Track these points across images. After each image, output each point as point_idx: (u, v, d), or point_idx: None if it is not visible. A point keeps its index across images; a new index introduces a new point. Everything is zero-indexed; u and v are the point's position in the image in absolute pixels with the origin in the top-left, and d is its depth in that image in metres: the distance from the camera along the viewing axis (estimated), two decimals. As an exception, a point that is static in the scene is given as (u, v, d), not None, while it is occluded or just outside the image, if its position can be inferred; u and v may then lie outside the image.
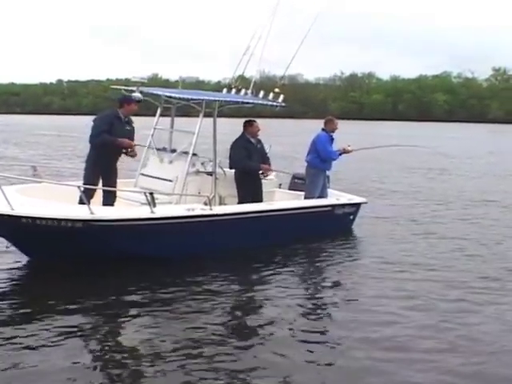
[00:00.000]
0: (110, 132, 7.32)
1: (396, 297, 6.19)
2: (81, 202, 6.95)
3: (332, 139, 9.17)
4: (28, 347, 4.65)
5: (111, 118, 7.44)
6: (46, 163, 17.23)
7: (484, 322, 5.52)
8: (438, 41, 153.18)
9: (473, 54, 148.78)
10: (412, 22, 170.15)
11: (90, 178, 7.35)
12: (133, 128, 7.73)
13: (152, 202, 6.63)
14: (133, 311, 5.55)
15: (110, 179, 7.55)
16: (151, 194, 6.67)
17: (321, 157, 9.02)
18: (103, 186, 7.40)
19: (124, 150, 7.50)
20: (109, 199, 7.37)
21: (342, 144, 9.40)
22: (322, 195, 9.12)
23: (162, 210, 6.88)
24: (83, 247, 6.40)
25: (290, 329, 5.28)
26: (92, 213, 6.33)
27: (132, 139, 7.60)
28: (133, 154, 7.62)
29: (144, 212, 6.73)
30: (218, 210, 7.48)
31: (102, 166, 7.45)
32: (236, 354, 4.67)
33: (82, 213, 6.40)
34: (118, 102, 7.60)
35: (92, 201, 6.88)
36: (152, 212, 6.66)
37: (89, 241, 6.38)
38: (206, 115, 7.93)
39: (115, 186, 7.55)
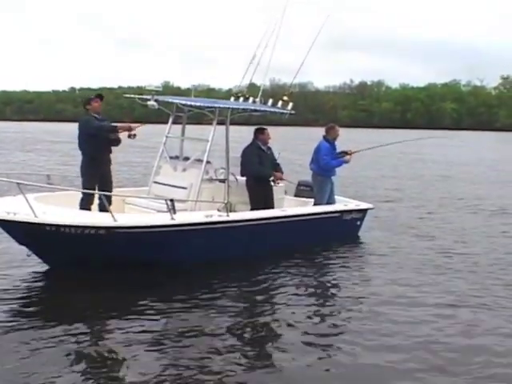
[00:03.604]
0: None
1: (401, 304, 6.25)
2: (82, 208, 7.28)
3: (334, 147, 9.29)
4: (43, 353, 4.77)
5: (91, 120, 7.59)
6: (60, 171, 17.52)
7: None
8: (448, 47, 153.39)
9: (482, 62, 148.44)
10: (422, 29, 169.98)
11: (89, 184, 7.43)
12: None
13: (173, 209, 6.78)
14: (147, 318, 5.62)
15: (106, 184, 7.65)
16: (172, 201, 6.82)
17: (320, 166, 9.13)
18: (100, 191, 7.39)
19: (128, 134, 7.64)
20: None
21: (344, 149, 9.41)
22: (330, 201, 9.27)
23: (182, 217, 7.01)
24: (105, 254, 6.49)
25: (296, 335, 5.33)
26: (115, 220, 6.44)
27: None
28: (132, 134, 7.70)
29: (165, 219, 6.85)
30: (235, 216, 7.62)
31: (97, 172, 7.60)
32: (244, 362, 4.76)
33: (104, 220, 6.49)
34: (83, 107, 7.86)
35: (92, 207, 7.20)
36: (172, 219, 6.82)
37: (110, 248, 6.48)
38: (218, 123, 8.04)
39: (111, 191, 7.68)
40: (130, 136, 7.72)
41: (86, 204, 7.36)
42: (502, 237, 9.94)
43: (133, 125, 7.72)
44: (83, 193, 7.37)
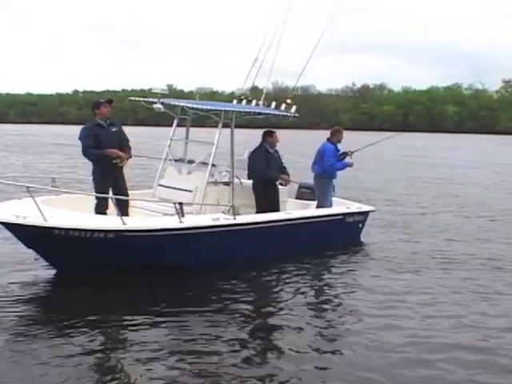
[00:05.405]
0: (97, 142, 7.42)
1: (403, 307, 6.26)
2: (97, 212, 7.25)
3: (338, 150, 9.31)
4: (47, 358, 4.75)
5: (93, 130, 7.53)
6: (64, 174, 17.56)
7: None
8: (453, 52, 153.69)
9: (486, 65, 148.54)
10: (425, 32, 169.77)
11: (100, 190, 7.35)
12: (120, 128, 7.84)
13: (181, 212, 6.80)
14: (152, 321, 5.65)
15: (121, 188, 7.62)
16: (180, 204, 6.84)
17: (324, 168, 9.15)
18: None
19: (114, 161, 7.49)
20: (122, 209, 6.92)
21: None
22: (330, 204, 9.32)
23: (190, 220, 7.02)
24: (113, 257, 6.47)
25: (301, 338, 5.36)
26: (124, 223, 6.44)
27: (124, 138, 7.77)
28: (122, 165, 7.61)
29: (173, 222, 6.87)
30: (242, 219, 7.63)
31: (109, 177, 7.55)
32: (246, 362, 4.80)
33: (113, 223, 6.48)
34: (91, 110, 7.80)
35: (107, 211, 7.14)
36: (181, 222, 6.84)
37: (119, 251, 6.47)
38: (222, 126, 8.02)
39: (127, 195, 7.63)
40: (117, 162, 7.52)
41: (100, 209, 7.29)
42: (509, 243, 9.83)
43: (121, 153, 7.53)
44: (96, 198, 7.36)
